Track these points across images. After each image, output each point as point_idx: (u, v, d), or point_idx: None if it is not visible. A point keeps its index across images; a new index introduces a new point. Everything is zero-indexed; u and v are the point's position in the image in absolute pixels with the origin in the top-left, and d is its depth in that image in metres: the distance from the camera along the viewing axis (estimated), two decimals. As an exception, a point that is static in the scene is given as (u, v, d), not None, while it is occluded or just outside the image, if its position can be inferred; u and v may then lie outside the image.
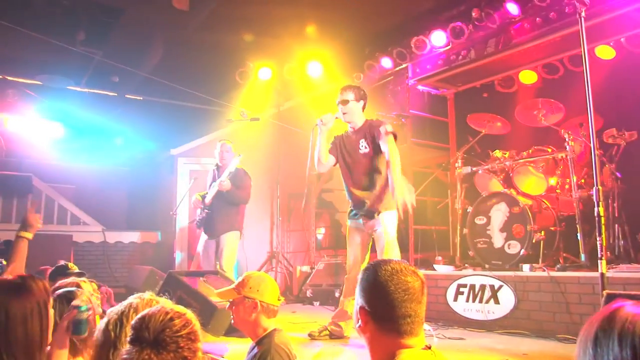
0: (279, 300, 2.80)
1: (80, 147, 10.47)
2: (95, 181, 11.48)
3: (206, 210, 6.44)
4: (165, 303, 1.81)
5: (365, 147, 4.87)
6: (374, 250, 5.00)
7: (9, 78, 8.95)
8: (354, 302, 1.75)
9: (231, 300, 2.78)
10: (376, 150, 4.81)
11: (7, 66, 8.72)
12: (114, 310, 1.86)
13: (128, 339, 1.57)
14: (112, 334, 1.80)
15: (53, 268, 4.08)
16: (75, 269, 4.03)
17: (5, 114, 9.27)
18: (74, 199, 10.69)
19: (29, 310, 1.91)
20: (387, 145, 4.60)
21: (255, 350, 2.65)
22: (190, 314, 1.65)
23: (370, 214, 4.82)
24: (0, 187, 9.68)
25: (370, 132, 4.86)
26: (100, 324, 1.85)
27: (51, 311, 2.16)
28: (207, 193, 6.56)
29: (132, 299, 1.91)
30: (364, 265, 4.84)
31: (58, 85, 9.23)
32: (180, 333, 1.56)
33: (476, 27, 6.43)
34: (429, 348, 1.64)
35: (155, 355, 1.51)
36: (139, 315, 1.61)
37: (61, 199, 10.29)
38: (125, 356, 1.53)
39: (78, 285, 2.51)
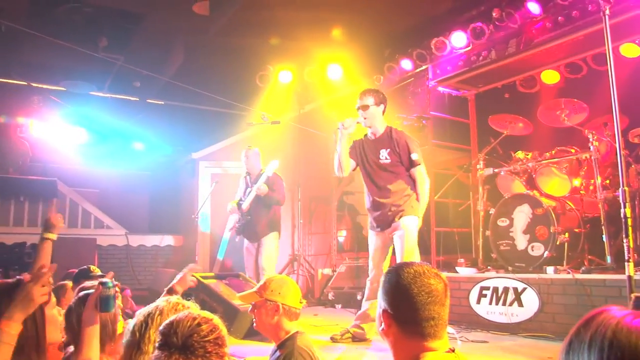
0: (300, 303, 2.80)
1: (104, 152, 10.63)
2: (119, 185, 11.65)
3: (248, 217, 6.52)
4: (192, 307, 1.83)
5: (387, 158, 4.87)
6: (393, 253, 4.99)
7: (34, 85, 9.12)
8: (377, 305, 1.74)
9: (253, 303, 2.79)
10: (396, 161, 4.85)
11: (32, 73, 8.90)
12: (142, 312, 1.88)
13: (157, 344, 1.59)
14: (137, 334, 1.82)
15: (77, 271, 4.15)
16: (98, 272, 4.08)
17: (31, 119, 9.46)
18: (98, 203, 10.85)
19: None
20: (417, 177, 4.85)
21: (278, 353, 2.66)
22: (217, 320, 1.67)
23: (390, 220, 4.81)
24: (26, 191, 9.86)
25: (392, 143, 4.87)
26: (129, 325, 1.87)
27: (55, 310, 2.18)
28: (241, 200, 6.64)
29: (160, 301, 1.94)
30: (385, 268, 4.83)
31: (81, 91, 9.38)
32: (207, 338, 1.57)
33: (497, 27, 6.35)
34: (453, 351, 1.63)
35: None
36: (167, 321, 1.63)
37: (85, 203, 10.43)
38: None
39: None
